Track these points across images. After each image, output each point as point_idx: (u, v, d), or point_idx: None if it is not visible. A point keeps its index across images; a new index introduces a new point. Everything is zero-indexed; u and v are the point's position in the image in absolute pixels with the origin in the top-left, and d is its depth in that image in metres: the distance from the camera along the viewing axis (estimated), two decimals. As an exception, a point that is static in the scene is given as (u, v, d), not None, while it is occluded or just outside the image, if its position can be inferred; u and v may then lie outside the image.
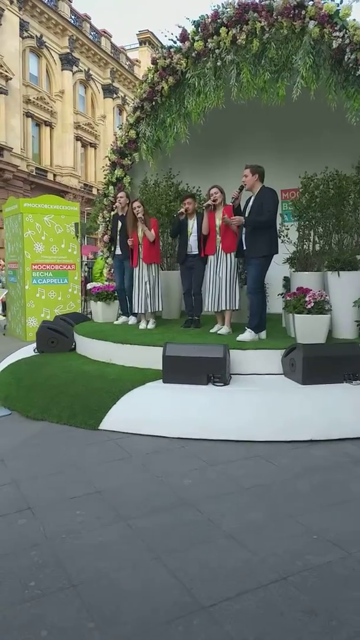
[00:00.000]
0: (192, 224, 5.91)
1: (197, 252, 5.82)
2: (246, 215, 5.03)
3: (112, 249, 6.76)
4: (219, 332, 5.38)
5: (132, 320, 6.47)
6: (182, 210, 5.82)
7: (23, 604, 1.89)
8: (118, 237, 6.41)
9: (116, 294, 6.71)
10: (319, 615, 1.80)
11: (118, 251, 6.47)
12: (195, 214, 5.94)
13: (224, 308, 5.37)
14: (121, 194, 6.50)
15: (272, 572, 2.06)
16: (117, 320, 6.64)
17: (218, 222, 5.40)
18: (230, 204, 5.23)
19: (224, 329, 5.37)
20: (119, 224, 6.39)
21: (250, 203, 5.04)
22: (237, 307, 5.40)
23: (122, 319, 6.58)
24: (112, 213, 6.91)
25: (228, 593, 1.93)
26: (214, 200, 5.40)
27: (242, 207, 5.20)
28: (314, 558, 2.16)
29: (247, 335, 4.91)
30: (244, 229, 5.05)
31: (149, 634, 1.72)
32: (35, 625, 1.77)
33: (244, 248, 5.08)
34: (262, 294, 5.12)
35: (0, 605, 1.89)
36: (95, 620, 1.79)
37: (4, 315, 10.68)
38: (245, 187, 5.06)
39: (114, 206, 6.84)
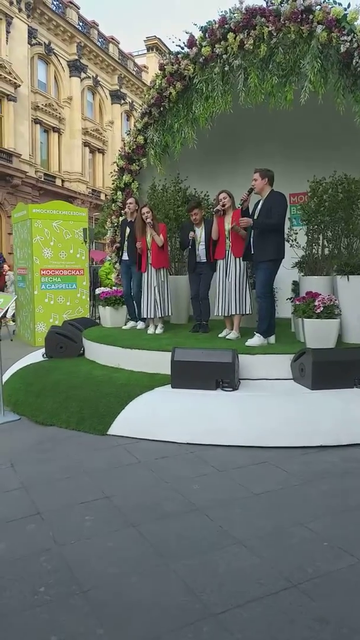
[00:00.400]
0: (200, 233, 5.92)
1: (205, 260, 5.86)
2: (254, 218, 5.02)
3: (120, 254, 6.78)
4: (227, 337, 5.36)
5: (140, 325, 6.48)
6: (192, 234, 5.88)
7: (33, 609, 1.89)
8: (126, 242, 6.43)
9: (124, 299, 6.72)
10: (329, 623, 1.79)
11: (125, 256, 6.49)
12: (202, 222, 5.95)
13: (233, 313, 5.36)
14: (130, 199, 6.53)
15: (282, 579, 2.05)
16: (125, 325, 6.65)
17: (227, 227, 5.40)
18: (239, 207, 5.22)
19: (233, 334, 5.35)
20: (127, 229, 6.41)
21: (259, 206, 5.04)
22: (248, 312, 5.39)
23: (131, 323, 6.59)
24: (121, 219, 6.93)
25: (238, 600, 1.92)
26: (222, 206, 5.40)
27: (250, 211, 5.20)
28: (324, 565, 2.14)
29: (256, 340, 4.89)
30: (252, 233, 5.04)
31: (159, 641, 1.72)
32: (45, 630, 1.77)
33: (252, 252, 5.08)
34: (271, 298, 5.11)
35: (10, 610, 1.89)
36: (104, 626, 1.79)
37: (13, 321, 10.74)
38: (254, 191, 5.06)
39: (122, 212, 6.86)
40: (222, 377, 4.31)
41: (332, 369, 4.29)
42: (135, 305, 6.50)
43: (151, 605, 1.90)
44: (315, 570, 2.11)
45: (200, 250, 5.91)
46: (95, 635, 1.75)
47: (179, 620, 1.82)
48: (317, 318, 4.77)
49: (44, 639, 1.74)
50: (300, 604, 1.89)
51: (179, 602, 1.92)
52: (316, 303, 4.77)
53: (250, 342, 4.88)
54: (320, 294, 4.88)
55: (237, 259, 5.34)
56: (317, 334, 4.77)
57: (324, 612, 1.84)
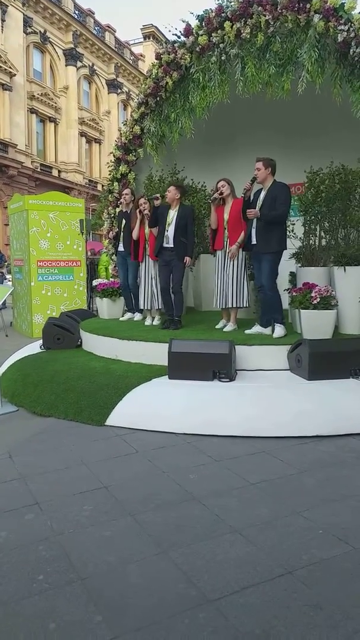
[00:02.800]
0: (173, 214, 5.58)
1: (173, 246, 5.52)
2: (256, 208, 4.93)
3: (116, 246, 6.77)
4: (224, 329, 5.36)
5: (137, 316, 6.48)
6: (157, 195, 5.57)
7: (31, 597, 1.91)
8: (122, 233, 6.41)
9: (121, 290, 6.72)
10: (324, 609, 1.82)
11: (121, 248, 6.47)
12: (179, 204, 5.66)
13: (230, 305, 5.32)
14: (126, 190, 6.51)
15: (278, 566, 2.08)
16: (122, 316, 6.66)
17: (226, 216, 5.30)
18: (242, 196, 5.09)
19: (230, 326, 5.35)
20: (124, 220, 6.40)
21: (262, 196, 4.94)
22: (246, 305, 5.34)
23: (128, 315, 6.60)
24: (117, 209, 6.91)
25: (234, 587, 1.95)
26: (220, 194, 5.27)
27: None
28: (319, 552, 2.17)
29: (281, 330, 4.92)
30: (253, 223, 4.97)
31: (156, 627, 1.74)
32: (43, 617, 1.80)
33: (253, 242, 5.00)
34: (277, 289, 5.06)
35: (9, 598, 1.91)
36: (102, 613, 1.82)
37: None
38: (257, 180, 4.95)
39: (118, 202, 6.84)
40: (219, 368, 4.33)
41: (329, 360, 4.31)
42: (132, 296, 6.49)
43: (148, 593, 1.93)
44: (310, 557, 2.14)
45: (169, 231, 5.55)
46: (93, 622, 1.78)
47: (175, 607, 1.85)
48: (313, 309, 4.79)
49: (42, 626, 1.76)
50: (295, 591, 1.92)
51: (175, 589, 1.95)
52: (313, 294, 4.79)
53: (277, 333, 4.90)
54: (317, 285, 4.89)
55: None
56: (314, 324, 4.79)
57: (319, 599, 1.87)
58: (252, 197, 5.06)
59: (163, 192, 6.70)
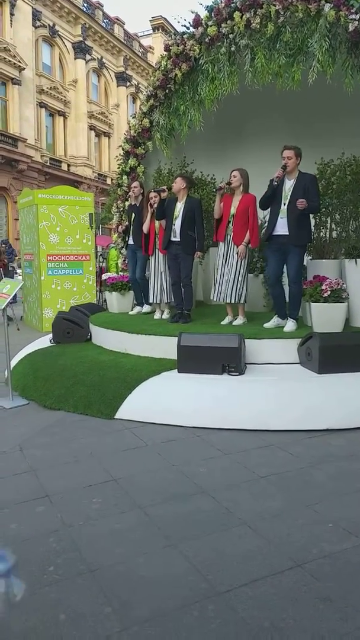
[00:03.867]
0: (180, 207, 5.52)
1: (180, 239, 5.47)
2: (283, 198, 4.79)
3: (126, 239, 6.76)
4: (233, 323, 5.25)
5: (146, 308, 6.47)
6: (164, 187, 5.51)
7: (42, 588, 1.93)
8: (132, 227, 6.40)
9: (130, 284, 6.71)
10: (333, 602, 1.81)
11: (131, 241, 6.46)
12: (186, 196, 5.60)
13: (228, 301, 5.22)
14: (135, 183, 6.49)
15: (287, 559, 2.08)
16: (132, 310, 6.65)
17: (233, 210, 5.16)
18: (274, 183, 4.77)
19: (239, 320, 5.27)
20: (133, 214, 6.38)
21: (289, 186, 4.77)
22: (243, 301, 5.23)
23: (137, 309, 6.59)
24: (127, 203, 6.90)
25: (243, 579, 1.95)
26: (228, 183, 5.11)
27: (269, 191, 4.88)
28: (329, 546, 2.17)
29: (292, 325, 4.88)
30: (281, 214, 4.79)
31: (165, 619, 1.75)
32: (54, 609, 1.82)
33: (277, 234, 4.82)
34: (302, 282, 4.99)
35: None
36: (112, 605, 1.83)
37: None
38: (287, 169, 4.78)
39: (127, 196, 6.83)
40: (229, 361, 4.32)
41: (339, 353, 4.28)
42: (141, 289, 6.49)
43: (158, 584, 1.94)
44: (320, 550, 2.13)
45: (176, 225, 5.50)
46: (102, 614, 1.79)
47: (185, 599, 1.85)
48: (324, 302, 4.75)
49: (53, 617, 1.78)
50: (304, 584, 1.92)
51: (185, 582, 1.95)
52: (323, 287, 4.75)
53: (288, 328, 4.86)
54: (328, 278, 4.85)
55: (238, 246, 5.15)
56: (324, 318, 4.75)
57: (328, 592, 1.87)
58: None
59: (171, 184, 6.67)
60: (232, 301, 5.23)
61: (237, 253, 5.14)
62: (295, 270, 4.88)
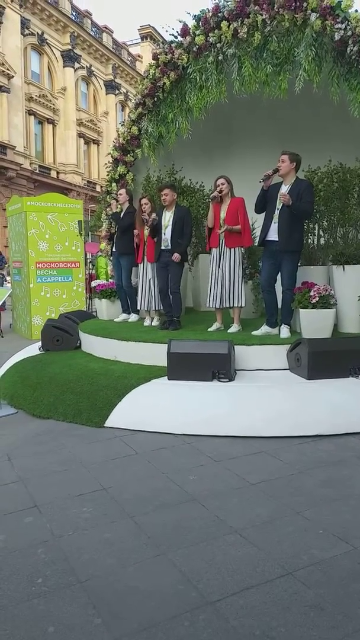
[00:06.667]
0: (170, 216, 5.58)
1: (170, 247, 5.52)
2: (276, 204, 4.80)
3: (112, 247, 6.75)
4: (229, 330, 5.20)
5: (132, 317, 6.45)
6: (155, 217, 5.57)
7: (30, 600, 1.91)
8: (116, 233, 6.40)
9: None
10: (324, 610, 1.81)
11: (115, 248, 6.46)
12: (174, 206, 5.65)
13: (225, 305, 5.23)
14: (121, 190, 6.50)
15: (278, 566, 2.07)
16: (117, 317, 6.62)
17: (223, 214, 5.20)
18: (260, 181, 4.84)
19: (234, 327, 5.22)
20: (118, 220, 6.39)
21: (283, 191, 4.79)
22: (242, 305, 5.24)
23: (123, 316, 6.55)
24: (114, 211, 6.90)
25: (234, 588, 1.94)
26: (219, 192, 5.19)
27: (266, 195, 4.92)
28: (319, 552, 2.16)
29: (288, 332, 4.89)
30: (274, 219, 4.82)
31: (155, 629, 1.73)
32: (42, 621, 1.79)
33: (269, 239, 4.85)
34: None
35: (8, 601, 1.90)
36: (102, 616, 1.81)
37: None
38: (279, 172, 4.83)
39: (113, 203, 6.85)
40: (218, 368, 4.32)
41: (328, 359, 4.30)
42: (127, 297, 6.47)
43: (148, 595, 1.92)
44: (311, 557, 2.13)
45: (167, 234, 5.55)
46: (92, 625, 1.77)
47: (175, 608, 1.84)
48: (312, 308, 4.78)
49: (41, 629, 1.75)
50: (295, 591, 1.91)
51: (175, 591, 1.94)
52: (312, 293, 4.77)
53: (283, 335, 4.87)
54: (316, 284, 4.88)
55: (232, 249, 5.18)
56: (313, 324, 4.78)
57: (319, 599, 1.86)
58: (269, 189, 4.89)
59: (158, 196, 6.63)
60: (230, 305, 5.24)
61: (231, 256, 5.17)
62: (288, 277, 4.90)
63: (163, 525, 2.44)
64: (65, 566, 2.12)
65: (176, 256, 5.51)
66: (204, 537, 2.31)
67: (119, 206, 6.50)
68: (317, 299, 4.75)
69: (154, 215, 5.61)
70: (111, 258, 7.15)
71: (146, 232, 5.88)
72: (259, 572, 2.04)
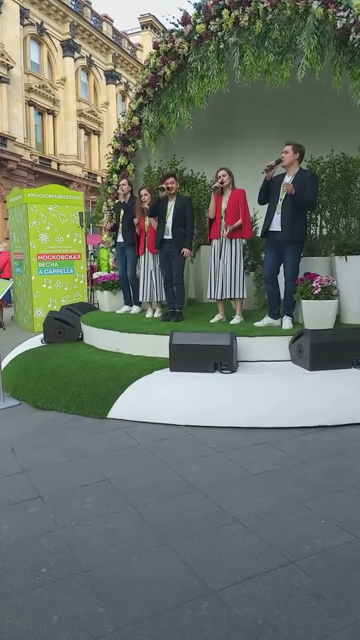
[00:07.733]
0: (171, 205, 5.56)
1: (172, 237, 5.52)
2: (279, 195, 4.79)
3: (115, 237, 6.73)
4: (231, 322, 5.20)
5: (134, 309, 6.45)
6: (163, 186, 5.48)
7: (34, 590, 1.92)
8: (120, 225, 6.38)
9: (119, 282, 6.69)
10: (326, 599, 1.82)
11: (120, 239, 6.44)
12: (176, 195, 5.64)
13: (226, 296, 5.23)
14: (123, 181, 6.48)
15: (280, 556, 2.08)
16: (120, 309, 6.61)
17: (224, 206, 5.19)
18: (263, 172, 4.83)
19: (236, 319, 5.21)
20: (122, 211, 6.37)
21: (287, 181, 4.76)
22: (243, 296, 5.23)
23: (125, 308, 6.55)
24: (116, 201, 6.88)
25: (236, 577, 1.95)
26: (221, 183, 5.18)
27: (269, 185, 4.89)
28: (321, 542, 2.18)
29: (289, 322, 4.89)
30: (277, 209, 4.80)
31: (159, 618, 1.75)
32: (47, 610, 1.81)
33: (273, 230, 4.83)
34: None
35: (12, 591, 1.92)
36: (105, 605, 1.82)
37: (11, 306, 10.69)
38: (282, 163, 4.80)
39: (117, 194, 6.81)
40: (221, 359, 4.32)
41: (330, 350, 4.30)
42: (130, 288, 6.46)
43: (151, 584, 1.94)
44: (313, 547, 2.14)
45: (169, 222, 5.54)
46: (96, 614, 1.78)
47: (178, 597, 1.85)
48: (315, 299, 4.77)
49: (45, 618, 1.77)
50: (297, 581, 1.93)
51: (178, 580, 1.95)
52: (314, 284, 4.76)
53: (285, 326, 4.87)
54: (319, 275, 4.87)
55: (232, 240, 5.16)
56: (315, 315, 4.77)
57: (321, 588, 1.88)
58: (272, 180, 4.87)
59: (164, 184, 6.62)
60: (232, 296, 5.23)
61: (231, 247, 5.16)
62: (291, 268, 4.89)
63: (166, 515, 2.45)
64: (69, 556, 2.13)
65: (187, 251, 5.51)
66: (207, 527, 2.33)
67: (125, 196, 6.45)
68: (319, 290, 4.74)
69: (164, 186, 5.49)
70: (113, 250, 7.14)
71: (147, 223, 5.87)
72: (262, 561, 2.05)
